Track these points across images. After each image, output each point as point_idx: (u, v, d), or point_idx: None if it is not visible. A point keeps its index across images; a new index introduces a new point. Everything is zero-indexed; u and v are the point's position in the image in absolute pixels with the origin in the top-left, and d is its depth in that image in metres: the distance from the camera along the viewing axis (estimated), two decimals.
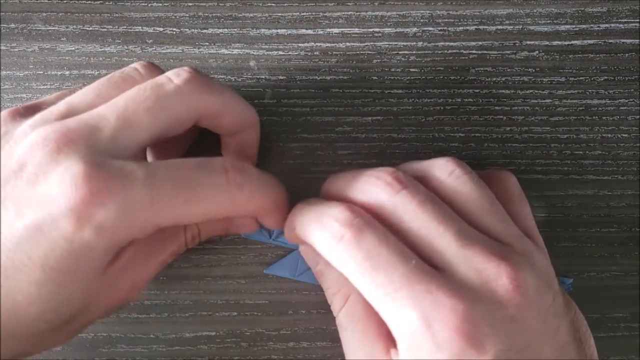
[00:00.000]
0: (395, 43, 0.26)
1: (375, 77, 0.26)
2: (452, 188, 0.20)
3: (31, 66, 0.26)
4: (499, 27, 0.27)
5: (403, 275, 0.18)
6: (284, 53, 0.26)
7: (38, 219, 0.17)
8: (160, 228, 0.19)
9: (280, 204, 0.22)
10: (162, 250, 0.22)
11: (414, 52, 0.26)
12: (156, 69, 0.22)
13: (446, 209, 0.19)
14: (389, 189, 0.20)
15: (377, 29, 0.26)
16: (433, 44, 0.26)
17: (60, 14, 0.26)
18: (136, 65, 0.21)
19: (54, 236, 0.17)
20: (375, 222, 0.19)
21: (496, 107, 0.26)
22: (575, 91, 0.26)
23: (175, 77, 0.20)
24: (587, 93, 0.26)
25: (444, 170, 0.21)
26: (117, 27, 0.26)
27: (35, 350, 0.19)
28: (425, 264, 0.19)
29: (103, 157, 0.18)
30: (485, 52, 0.26)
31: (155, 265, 0.21)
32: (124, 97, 0.19)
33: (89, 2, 0.26)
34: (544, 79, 0.26)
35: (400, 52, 0.26)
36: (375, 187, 0.20)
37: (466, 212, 0.20)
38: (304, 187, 0.26)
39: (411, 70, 0.26)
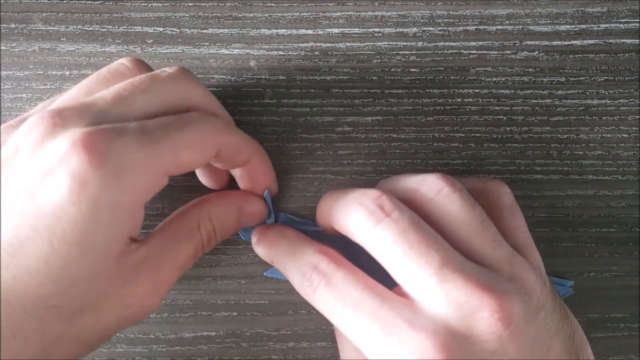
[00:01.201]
0: (395, 43, 0.26)
1: (375, 77, 0.26)
2: (440, 207, 0.20)
3: (31, 66, 0.26)
4: (499, 27, 0.27)
5: (371, 312, 0.18)
6: (284, 53, 0.26)
7: (39, 188, 0.17)
8: (168, 174, 0.19)
9: (260, 146, 0.24)
10: (177, 252, 0.21)
11: (414, 52, 0.26)
12: (143, 64, 0.22)
13: (431, 234, 0.19)
14: (372, 218, 0.19)
15: (377, 29, 0.26)
16: (433, 44, 0.26)
17: (60, 14, 0.26)
18: (123, 60, 0.22)
19: (58, 201, 0.17)
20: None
21: (496, 107, 0.26)
22: (575, 91, 0.26)
23: (168, 69, 0.21)
24: (587, 93, 0.26)
25: (432, 189, 0.20)
26: (117, 27, 0.26)
27: (45, 356, 0.18)
28: (395, 298, 0.19)
29: (98, 124, 0.18)
30: (485, 52, 0.26)
31: (172, 270, 0.21)
32: (121, 84, 0.20)
33: (89, 2, 0.26)
34: (544, 79, 0.26)
35: (400, 52, 0.26)
36: (358, 216, 0.20)
37: (454, 233, 0.20)
38: (304, 187, 0.26)
39: (411, 70, 0.26)
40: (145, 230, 0.24)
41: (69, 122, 0.18)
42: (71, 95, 0.21)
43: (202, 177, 0.25)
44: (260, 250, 0.24)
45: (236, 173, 0.24)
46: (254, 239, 0.24)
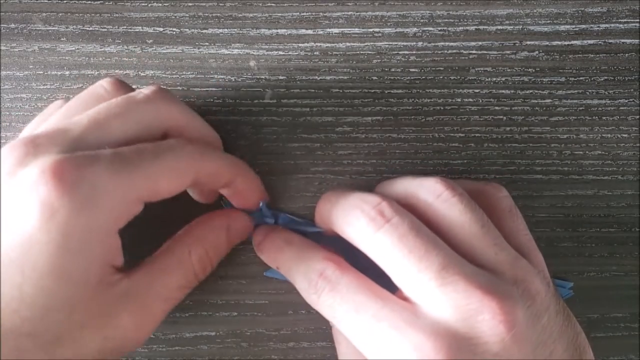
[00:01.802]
0: (395, 43, 0.26)
1: (375, 77, 0.26)
2: (440, 212, 0.20)
3: (31, 66, 0.26)
4: (499, 27, 0.27)
5: (372, 314, 0.18)
6: (284, 53, 0.26)
7: (11, 218, 0.17)
8: (143, 201, 0.19)
9: (245, 166, 0.23)
10: (166, 284, 0.21)
11: (414, 52, 0.26)
12: (122, 85, 0.22)
13: (430, 238, 0.19)
14: (372, 224, 0.19)
15: (377, 29, 0.26)
16: (433, 44, 0.26)
17: (60, 14, 0.26)
18: (102, 82, 0.22)
19: (29, 230, 0.17)
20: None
21: (496, 107, 0.26)
22: (575, 91, 0.26)
23: (145, 90, 0.21)
24: (587, 93, 0.26)
25: (431, 193, 0.20)
26: (117, 27, 0.26)
27: None
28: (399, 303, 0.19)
29: (71, 150, 0.18)
30: (485, 52, 0.26)
31: (159, 303, 0.20)
32: (96, 107, 0.20)
33: (89, 2, 0.26)
34: (544, 79, 0.26)
35: (400, 52, 0.26)
36: (359, 223, 0.20)
37: (454, 238, 0.19)
38: (304, 187, 0.26)
39: (411, 70, 0.26)
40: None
41: (41, 150, 0.18)
42: (52, 121, 0.21)
43: (192, 193, 0.25)
44: (265, 256, 0.23)
45: (224, 191, 0.24)
46: (256, 242, 0.24)
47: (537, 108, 0.26)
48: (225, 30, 0.26)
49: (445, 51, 0.26)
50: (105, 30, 0.26)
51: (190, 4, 0.26)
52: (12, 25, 0.26)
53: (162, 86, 0.22)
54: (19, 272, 0.17)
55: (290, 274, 0.22)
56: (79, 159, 0.18)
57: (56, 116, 0.21)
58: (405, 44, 0.26)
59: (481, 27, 0.27)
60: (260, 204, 0.24)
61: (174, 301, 0.21)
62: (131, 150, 0.19)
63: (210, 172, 0.21)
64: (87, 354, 0.19)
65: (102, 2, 0.26)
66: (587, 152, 0.26)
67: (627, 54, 0.27)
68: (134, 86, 0.26)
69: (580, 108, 0.26)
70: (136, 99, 0.20)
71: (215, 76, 0.26)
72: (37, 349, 0.18)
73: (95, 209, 0.18)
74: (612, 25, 0.27)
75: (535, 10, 0.27)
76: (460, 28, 0.26)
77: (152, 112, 0.21)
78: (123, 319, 0.19)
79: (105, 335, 0.19)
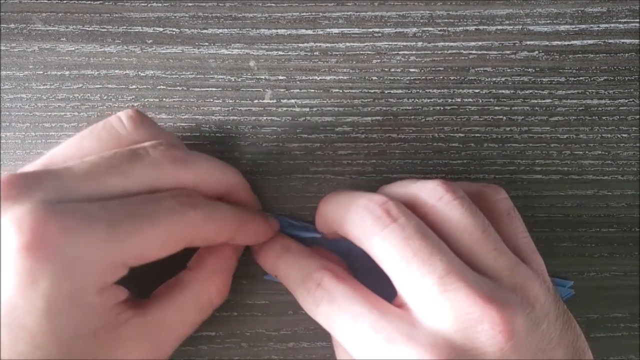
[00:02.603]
0: (395, 43, 0.26)
1: (375, 77, 0.26)
2: (441, 215, 0.20)
3: (31, 66, 0.26)
4: (499, 27, 0.27)
5: (369, 325, 0.18)
6: (283, 53, 0.26)
7: None
8: (129, 266, 0.18)
9: (249, 219, 0.22)
10: (182, 321, 0.20)
11: (414, 52, 0.26)
12: (142, 122, 0.21)
13: (435, 242, 0.19)
14: (378, 223, 0.19)
15: (377, 29, 0.26)
16: (433, 44, 0.26)
17: (60, 14, 0.26)
18: (122, 115, 0.21)
19: (10, 296, 0.16)
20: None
21: (496, 107, 0.26)
22: (575, 91, 0.26)
23: (152, 149, 0.20)
24: (587, 93, 0.26)
25: (433, 196, 0.20)
26: (117, 27, 0.26)
27: None
28: (391, 308, 0.19)
29: (58, 201, 0.17)
30: (485, 52, 0.26)
31: (173, 341, 0.20)
32: (98, 155, 0.19)
33: (89, 2, 0.26)
34: (544, 79, 0.26)
35: (400, 52, 0.26)
36: (364, 221, 0.19)
37: (455, 242, 0.19)
38: (304, 187, 0.26)
39: (411, 70, 0.26)
40: None
41: (25, 195, 0.17)
42: (62, 150, 0.20)
43: None
44: (264, 262, 0.23)
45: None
46: (254, 248, 0.24)
47: (537, 108, 0.26)
48: (225, 30, 0.26)
49: (445, 51, 0.26)
50: (105, 30, 0.26)
51: (190, 4, 0.26)
52: (12, 25, 0.26)
53: (176, 137, 0.20)
54: (10, 331, 0.16)
55: (287, 282, 0.22)
56: (63, 217, 0.16)
57: (67, 145, 0.20)
58: (405, 44, 0.26)
59: (481, 27, 0.27)
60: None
61: (186, 336, 0.21)
62: (124, 211, 0.18)
63: (206, 238, 0.21)
64: None
65: (102, 2, 0.26)
66: (587, 152, 0.26)
67: (627, 54, 0.27)
68: (133, 86, 0.26)
69: (580, 108, 0.26)
70: (143, 160, 0.19)
71: (215, 76, 0.26)
72: None
73: (78, 274, 0.17)
74: (612, 25, 0.27)
75: (535, 10, 0.27)
76: (460, 28, 0.26)
77: (156, 176, 0.19)
78: (131, 358, 0.19)
79: None
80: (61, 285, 0.17)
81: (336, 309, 0.19)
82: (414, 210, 0.20)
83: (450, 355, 0.17)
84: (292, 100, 0.26)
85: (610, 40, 0.27)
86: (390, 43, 0.26)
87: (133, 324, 0.19)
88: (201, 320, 0.21)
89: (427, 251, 0.18)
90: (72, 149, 0.20)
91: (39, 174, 0.18)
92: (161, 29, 0.26)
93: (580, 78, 0.26)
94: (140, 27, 0.26)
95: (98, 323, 0.18)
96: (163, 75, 0.26)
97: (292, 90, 0.26)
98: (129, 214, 0.18)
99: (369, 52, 0.26)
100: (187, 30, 0.26)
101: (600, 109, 0.26)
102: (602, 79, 0.26)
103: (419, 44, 0.26)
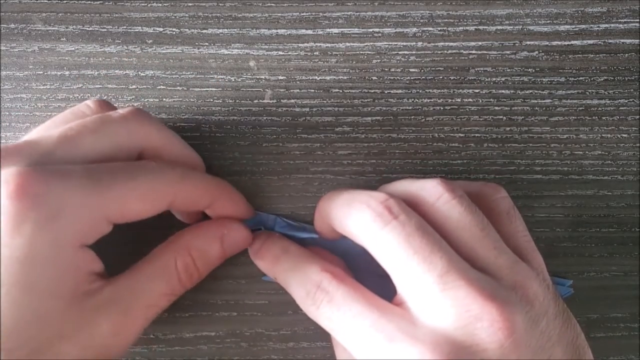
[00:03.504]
0: (395, 43, 0.26)
1: (375, 77, 0.26)
2: (441, 213, 0.20)
3: (31, 66, 0.26)
4: (499, 27, 0.27)
5: (369, 325, 0.18)
6: (283, 53, 0.26)
7: None
8: (112, 222, 0.19)
9: (228, 188, 0.23)
10: (148, 291, 0.20)
11: (414, 52, 0.26)
12: (106, 105, 0.22)
13: (436, 239, 0.19)
14: (379, 220, 0.19)
15: (377, 29, 0.26)
16: (433, 44, 0.26)
17: (60, 14, 0.26)
18: (88, 101, 0.22)
19: None
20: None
21: (496, 107, 0.26)
22: (575, 91, 0.26)
23: (122, 110, 0.21)
24: (587, 93, 0.26)
25: (432, 194, 0.20)
26: (117, 27, 0.26)
27: None
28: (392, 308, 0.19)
29: (40, 164, 0.18)
30: (485, 52, 0.26)
31: (141, 310, 0.20)
32: (70, 124, 0.20)
33: (89, 2, 0.26)
34: (544, 79, 0.26)
35: (400, 52, 0.26)
36: (365, 218, 0.19)
37: (455, 240, 0.19)
38: (304, 187, 0.26)
39: (411, 70, 0.26)
40: None
41: (7, 162, 0.18)
42: (29, 135, 0.21)
43: (174, 212, 0.24)
44: (262, 264, 0.23)
45: (207, 211, 0.23)
46: (253, 250, 0.24)
47: (537, 108, 0.26)
48: (225, 30, 0.26)
49: (445, 51, 0.26)
50: (105, 30, 0.26)
51: (190, 4, 0.26)
52: (12, 26, 0.26)
53: (140, 107, 0.21)
54: None
55: (287, 284, 0.22)
56: (45, 172, 0.17)
57: (35, 130, 0.21)
58: (405, 44, 0.26)
59: (481, 27, 0.27)
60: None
61: (157, 309, 0.21)
62: (103, 168, 0.19)
63: (186, 197, 0.21)
64: None
65: (102, 2, 0.26)
66: (587, 152, 0.26)
67: (627, 54, 0.27)
68: (133, 86, 0.26)
69: (580, 108, 0.26)
70: (111, 117, 0.20)
71: (215, 76, 0.26)
72: None
73: (60, 225, 0.17)
74: (612, 25, 0.27)
75: (535, 10, 0.27)
76: (460, 28, 0.26)
77: (127, 131, 0.20)
78: (102, 328, 0.19)
79: (84, 344, 0.19)
80: (43, 232, 0.17)
81: (336, 310, 0.19)
82: (413, 209, 0.20)
83: (451, 353, 0.17)
84: (292, 100, 0.26)
85: (610, 40, 0.27)
86: (390, 43, 0.26)
87: (104, 292, 0.19)
88: (170, 293, 0.21)
89: (428, 249, 0.18)
90: (40, 131, 0.21)
91: (19, 145, 0.19)
92: (161, 29, 0.26)
93: (580, 78, 0.26)
94: (140, 27, 0.26)
95: (71, 286, 0.18)
96: (163, 75, 0.26)
97: (292, 90, 0.26)
98: (109, 170, 0.19)
99: (369, 52, 0.26)
100: (187, 30, 0.26)
101: (600, 109, 0.26)
102: (602, 79, 0.26)
103: (419, 44, 0.26)
